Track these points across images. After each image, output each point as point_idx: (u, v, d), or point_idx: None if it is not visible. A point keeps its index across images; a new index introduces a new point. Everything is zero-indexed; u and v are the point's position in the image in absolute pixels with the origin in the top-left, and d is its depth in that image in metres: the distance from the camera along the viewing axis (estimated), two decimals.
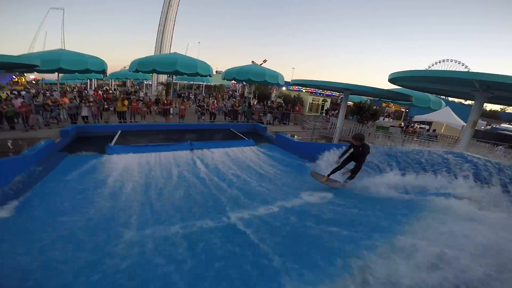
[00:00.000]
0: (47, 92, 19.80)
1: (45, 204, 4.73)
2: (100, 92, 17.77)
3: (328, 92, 25.58)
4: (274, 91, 24.83)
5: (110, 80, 28.42)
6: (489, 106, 43.31)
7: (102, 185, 5.67)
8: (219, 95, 22.79)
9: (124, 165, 6.90)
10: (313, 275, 3.02)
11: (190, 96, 22.33)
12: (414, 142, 10.86)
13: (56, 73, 11.89)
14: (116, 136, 8.86)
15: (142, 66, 12.31)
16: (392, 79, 8.79)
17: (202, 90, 32.10)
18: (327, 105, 24.80)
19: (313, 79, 11.24)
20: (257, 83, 17.39)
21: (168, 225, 4.17)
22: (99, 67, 11.70)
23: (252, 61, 33.17)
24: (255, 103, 15.78)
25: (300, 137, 10.80)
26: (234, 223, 4.35)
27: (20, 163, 5.85)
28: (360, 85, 10.11)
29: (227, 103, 14.60)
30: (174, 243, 3.68)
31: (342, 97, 11.69)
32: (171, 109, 12.23)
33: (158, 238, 3.80)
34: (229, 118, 13.49)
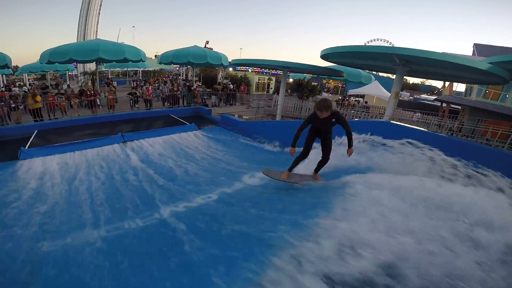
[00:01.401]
0: None
1: None
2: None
3: (273, 71, 25.92)
4: (220, 73, 24.19)
5: (24, 74, 23.95)
6: (411, 80, 50.61)
7: (14, 198, 4.81)
8: (152, 79, 21.24)
9: (41, 170, 6.02)
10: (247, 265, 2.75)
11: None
12: (350, 114, 11.95)
13: None
14: (32, 138, 7.63)
15: (56, 56, 10.59)
16: (324, 55, 9.33)
17: (139, 76, 29.46)
18: (272, 83, 25.27)
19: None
20: (199, 66, 16.64)
21: (91, 229, 3.80)
22: None
23: (207, 42, 31.75)
24: (197, 86, 15.13)
25: (247, 117, 10.84)
26: (165, 219, 4.03)
27: None
28: (296, 63, 10.51)
29: (164, 88, 13.65)
30: (97, 249, 3.34)
31: (282, 74, 12.00)
32: (98, 99, 10.91)
33: (78, 246, 3.42)
34: (168, 104, 12.70)
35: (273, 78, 25.56)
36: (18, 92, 13.67)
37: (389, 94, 16.86)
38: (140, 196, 4.88)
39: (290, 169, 4.55)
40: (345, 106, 14.83)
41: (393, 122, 6.95)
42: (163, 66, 28.68)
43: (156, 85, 18.58)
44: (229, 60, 15.47)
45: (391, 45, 49.32)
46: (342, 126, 3.86)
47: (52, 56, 10.57)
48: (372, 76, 17.20)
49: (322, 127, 4.02)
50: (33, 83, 23.38)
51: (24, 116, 9.73)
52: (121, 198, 4.85)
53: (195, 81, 17.60)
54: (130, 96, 11.71)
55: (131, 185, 5.38)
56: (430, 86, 53.42)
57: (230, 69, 26.54)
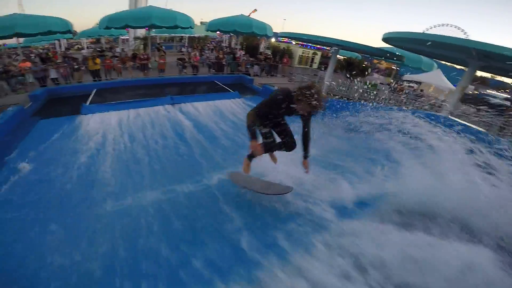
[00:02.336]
0: (12, 57, 18.02)
1: (22, 174, 4.37)
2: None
3: (319, 46, 24.13)
4: (263, 43, 23.28)
5: (82, 38, 25.86)
6: (479, 72, 42.49)
7: (78, 149, 5.32)
8: (199, 46, 21.24)
9: (100, 125, 6.56)
10: None
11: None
12: (400, 101, 10.63)
13: (16, 38, 10.66)
14: (91, 95, 8.30)
15: (113, 22, 11.08)
16: (386, 39, 8.30)
17: (185, 42, 29.90)
18: (317, 58, 23.56)
19: (304, 32, 10.53)
20: (244, 34, 16.22)
21: (148, 190, 3.98)
22: (62, 28, 10.52)
23: (255, 10, 30.63)
24: (241, 55, 14.80)
25: None
26: (212, 186, 4.10)
27: None
28: (351, 42, 9.59)
29: (211, 55, 13.61)
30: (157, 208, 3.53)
31: (332, 51, 11.00)
32: (149, 63, 11.34)
33: (141, 204, 3.61)
34: (213, 71, 12.71)
35: (319, 53, 23.77)
36: (73, 55, 14.83)
37: (451, 85, 14.99)
38: (190, 160, 5.03)
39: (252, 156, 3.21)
40: (397, 91, 13.34)
41: (452, 117, 6.00)
42: (207, 33, 28.56)
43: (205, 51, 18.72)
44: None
45: (464, 33, 41.96)
46: (304, 125, 2.78)
47: (110, 22, 11.08)
48: (434, 64, 15.06)
49: (281, 115, 2.92)
50: (90, 46, 25.22)
51: (84, 76, 10.59)
52: (172, 160, 5.03)
53: (238, 49, 17.23)
54: (180, 61, 11.93)
55: (181, 147, 5.57)
56: (501, 82, 44.50)
57: (273, 39, 25.35)
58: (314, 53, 23.57)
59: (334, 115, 6.87)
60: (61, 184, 4.12)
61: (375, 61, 24.96)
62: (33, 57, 13.14)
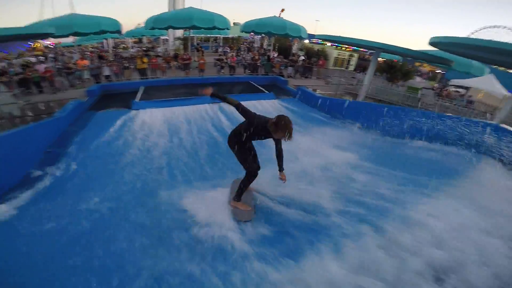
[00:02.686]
0: (66, 55, 20.03)
1: (82, 162, 4.97)
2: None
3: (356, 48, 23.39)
4: (296, 44, 23.18)
5: (127, 38, 27.92)
6: None
7: (132, 141, 5.98)
8: (235, 47, 21.77)
9: (150, 120, 7.19)
10: None
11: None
12: (449, 108, 9.95)
13: (71, 37, 11.80)
14: (140, 92, 9.04)
15: (158, 23, 11.90)
16: (434, 43, 7.86)
17: (219, 42, 30.84)
18: (354, 60, 22.86)
19: (338, 33, 10.37)
20: (278, 36, 16.37)
21: (198, 181, 4.34)
22: (113, 27, 11.53)
23: (283, 10, 30.75)
24: (275, 56, 14.97)
25: (323, 92, 10.34)
26: None
27: (54, 124, 6.13)
28: (396, 46, 9.18)
29: (247, 56, 13.97)
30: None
31: (371, 53, 10.66)
32: (190, 63, 12.01)
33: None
34: (249, 71, 13.05)
35: (355, 55, 23.04)
36: (122, 54, 16.06)
37: (505, 91, 13.66)
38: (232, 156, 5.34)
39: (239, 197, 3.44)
40: (443, 96, 12.51)
41: (506, 126, 5.53)
42: (240, 33, 29.19)
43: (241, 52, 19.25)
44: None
45: None
46: (277, 144, 3.08)
47: (155, 23, 11.90)
48: (486, 68, 13.83)
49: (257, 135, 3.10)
50: (134, 45, 27.12)
51: (132, 74, 11.49)
52: (217, 154, 5.43)
53: (271, 50, 17.42)
54: (218, 61, 12.46)
55: (223, 143, 5.91)
56: None
57: (306, 41, 25.10)
58: (351, 55, 22.93)
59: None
60: (118, 169, 4.74)
61: (417, 63, 23.56)
62: (87, 55, 14.52)
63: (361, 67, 20.26)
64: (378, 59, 13.32)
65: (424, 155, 5.71)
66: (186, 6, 22.12)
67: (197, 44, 20.97)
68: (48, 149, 5.41)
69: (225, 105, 8.42)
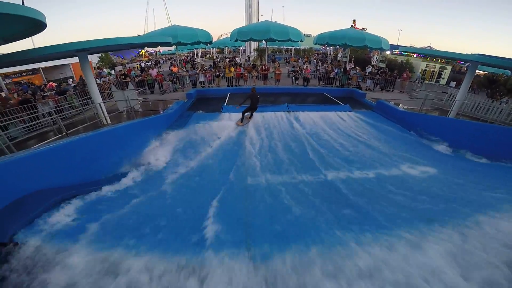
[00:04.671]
0: (168, 62, 24.16)
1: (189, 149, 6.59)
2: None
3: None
4: (376, 55, 22.09)
5: (212, 48, 31.79)
6: None
7: (222, 137, 7.24)
8: (306, 58, 22.20)
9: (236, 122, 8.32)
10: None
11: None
12: None
13: (173, 46, 14.11)
14: (227, 98, 10.39)
15: (241, 35, 13.32)
16: None
17: (291, 53, 31.89)
18: (446, 73, 20.37)
19: (424, 43, 9.73)
20: (355, 48, 15.97)
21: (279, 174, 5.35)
22: (206, 39, 13.43)
23: (354, 21, 30.19)
24: (351, 68, 14.74)
25: (406, 106, 9.78)
26: (331, 180, 5.20)
27: (166, 118, 7.90)
28: (496, 57, 8.13)
29: (321, 68, 14.24)
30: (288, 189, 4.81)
31: (468, 66, 9.53)
32: (269, 73, 13.04)
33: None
34: (323, 83, 13.28)
35: (448, 67, 20.54)
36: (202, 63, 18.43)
37: None
38: (306, 159, 6.15)
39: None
40: None
41: None
42: (312, 45, 29.61)
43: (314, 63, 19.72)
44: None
45: None
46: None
47: (239, 35, 13.36)
48: None
49: None
50: (218, 55, 30.66)
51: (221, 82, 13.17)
52: (293, 156, 6.24)
53: (347, 62, 17.17)
54: (293, 73, 13.18)
55: (300, 148, 6.68)
56: None
57: (388, 52, 23.60)
58: (442, 67, 20.56)
59: None
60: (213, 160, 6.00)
61: None
62: (197, 61, 17.07)
63: (455, 80, 18.01)
64: (478, 72, 11.68)
65: None
66: (261, 19, 23.79)
67: (273, 55, 22.28)
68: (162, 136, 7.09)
69: (298, 114, 9.09)
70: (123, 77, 11.96)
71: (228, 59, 19.82)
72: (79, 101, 8.74)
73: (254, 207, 4.31)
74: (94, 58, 21.75)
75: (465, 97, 8.82)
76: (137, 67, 16.48)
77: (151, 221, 3.89)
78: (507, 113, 8.73)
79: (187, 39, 12.70)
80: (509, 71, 14.50)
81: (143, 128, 6.54)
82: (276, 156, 6.18)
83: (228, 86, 12.27)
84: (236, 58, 23.29)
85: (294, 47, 30.62)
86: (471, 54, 8.23)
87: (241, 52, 31.23)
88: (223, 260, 3.18)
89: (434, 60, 20.45)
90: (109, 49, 11.10)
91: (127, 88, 9.76)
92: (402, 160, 6.11)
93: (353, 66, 16.16)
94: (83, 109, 8.19)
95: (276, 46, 32.17)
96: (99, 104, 7.02)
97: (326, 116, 9.14)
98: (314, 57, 26.87)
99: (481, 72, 12.74)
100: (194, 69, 13.27)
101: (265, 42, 15.73)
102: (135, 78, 11.82)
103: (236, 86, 12.55)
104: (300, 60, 23.59)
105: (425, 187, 4.93)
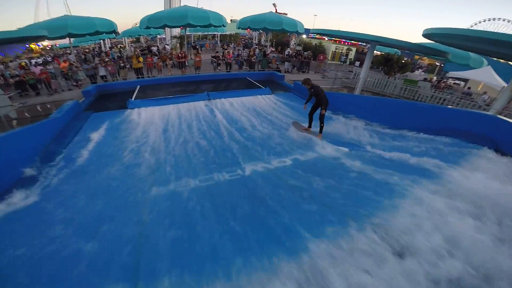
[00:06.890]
0: (63, 56, 20.03)
1: (75, 164, 4.91)
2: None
3: (353, 41, 23.33)
4: (293, 39, 23.11)
5: (124, 38, 27.91)
6: None
7: (127, 140, 5.91)
8: (238, 43, 21.75)
9: (146, 118, 7.20)
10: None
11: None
12: (444, 99, 9.84)
13: (68, 38, 11.67)
14: (136, 91, 9.05)
15: (153, 22, 11.81)
16: (427, 35, 7.79)
17: (217, 39, 30.80)
18: (352, 54, 22.77)
19: (336, 28, 10.29)
20: (274, 31, 16.26)
21: (187, 178, 4.38)
22: (108, 28, 11.49)
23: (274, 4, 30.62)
24: (271, 51, 14.90)
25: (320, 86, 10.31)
26: (248, 176, 4.44)
27: (51, 126, 6.07)
28: (390, 38, 9.09)
29: (243, 53, 13.91)
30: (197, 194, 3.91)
31: (369, 47, 10.59)
32: (186, 61, 11.98)
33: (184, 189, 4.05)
34: (246, 68, 13.03)
35: (353, 49, 22.98)
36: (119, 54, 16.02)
37: (504, 84, 13.58)
38: (226, 151, 5.34)
39: (309, 126, 6.24)
40: (440, 88, 12.49)
41: (502, 117, 5.39)
42: (238, 30, 29.16)
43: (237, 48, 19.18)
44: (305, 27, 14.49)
45: None
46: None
47: (150, 22, 11.81)
48: (484, 60, 13.74)
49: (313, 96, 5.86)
50: (131, 45, 27.13)
51: (128, 74, 11.49)
52: (210, 150, 5.39)
53: (268, 46, 17.36)
54: (214, 59, 12.43)
55: (217, 139, 5.92)
56: None
57: (304, 36, 24.99)
58: (349, 49, 22.89)
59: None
60: (114, 169, 4.70)
61: (417, 57, 23.48)
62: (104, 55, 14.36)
63: (360, 60, 20.23)
64: (377, 52, 13.22)
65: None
66: (182, 4, 22.08)
67: (194, 42, 20.91)
68: (44, 149, 5.42)
69: (218, 102, 8.47)
70: None
71: (139, 49, 17.61)
72: None
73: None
74: None
75: (367, 74, 9.75)
76: (22, 64, 13.03)
77: None
78: (400, 87, 10.08)
79: (81, 30, 10.56)
80: (399, 51, 17.03)
81: (10, 145, 4.63)
82: (188, 154, 5.29)
83: (138, 78, 10.75)
84: (153, 47, 21.05)
85: (219, 33, 29.58)
86: (370, 34, 8.98)
87: (161, 40, 28.50)
88: None
89: (342, 42, 22.63)
90: None
91: None
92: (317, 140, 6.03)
93: (273, 50, 16.41)
94: None
95: (200, 33, 30.56)
96: None
97: (247, 100, 8.87)
98: (237, 42, 26.50)
99: (379, 52, 14.65)
100: (86, 62, 11.09)
101: (185, 28, 14.55)
102: (10, 80, 9.22)
103: (148, 77, 11.11)
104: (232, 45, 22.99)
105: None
